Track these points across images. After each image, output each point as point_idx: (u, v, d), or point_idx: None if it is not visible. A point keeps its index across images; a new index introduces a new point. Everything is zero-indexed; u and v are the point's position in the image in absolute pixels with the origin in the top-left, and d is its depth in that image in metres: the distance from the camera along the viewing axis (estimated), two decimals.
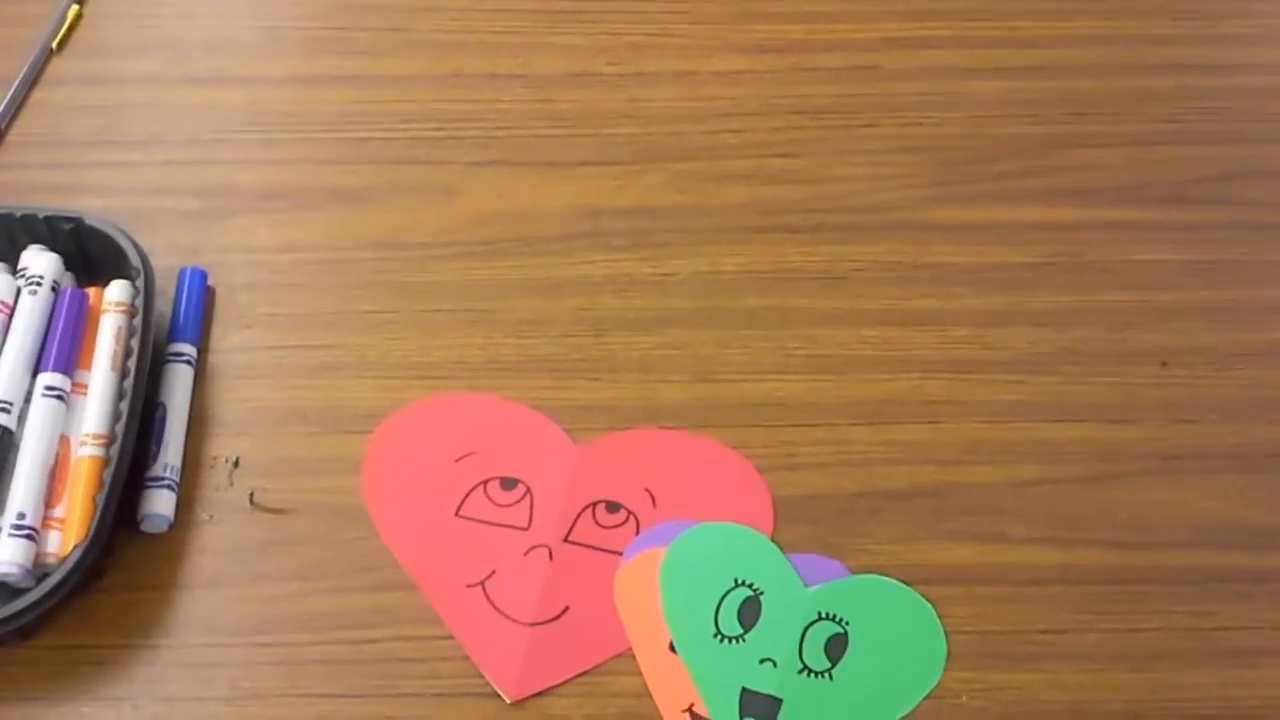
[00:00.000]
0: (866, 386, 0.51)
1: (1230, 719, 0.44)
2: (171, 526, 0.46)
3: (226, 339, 0.51)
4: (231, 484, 0.48)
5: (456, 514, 0.47)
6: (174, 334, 0.50)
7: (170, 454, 0.47)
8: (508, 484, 0.48)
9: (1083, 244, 0.55)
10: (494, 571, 0.46)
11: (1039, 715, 0.44)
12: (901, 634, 0.45)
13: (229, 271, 0.53)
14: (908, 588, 0.46)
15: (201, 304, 0.51)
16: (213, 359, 0.51)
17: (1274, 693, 0.44)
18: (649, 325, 0.52)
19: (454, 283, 0.53)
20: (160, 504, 0.46)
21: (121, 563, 0.46)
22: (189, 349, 0.50)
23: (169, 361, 0.49)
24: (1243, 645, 0.45)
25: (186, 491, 0.47)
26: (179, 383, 0.49)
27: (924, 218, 0.55)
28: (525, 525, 0.47)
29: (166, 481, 0.46)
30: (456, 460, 0.49)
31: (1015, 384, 0.51)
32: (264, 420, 0.49)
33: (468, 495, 0.48)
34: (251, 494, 0.47)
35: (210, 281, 0.52)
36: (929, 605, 0.46)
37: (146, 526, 0.46)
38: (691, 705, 0.43)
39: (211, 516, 0.47)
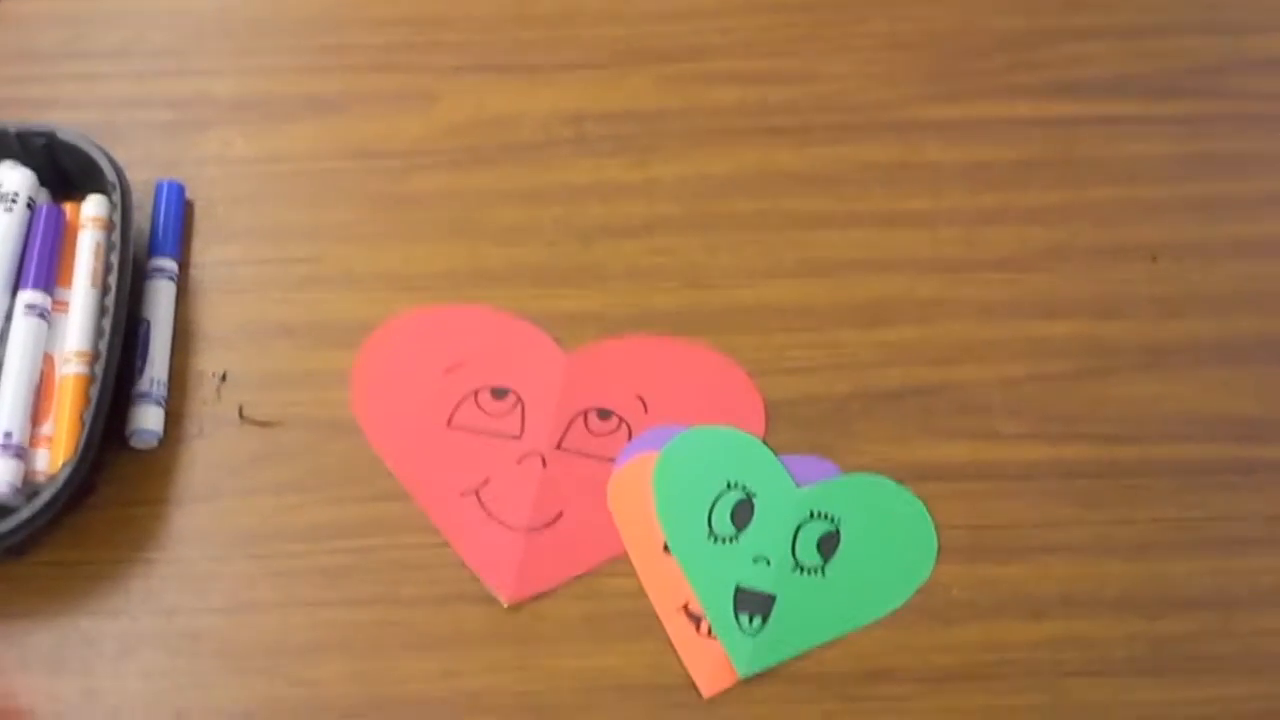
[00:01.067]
0: (857, 288, 0.51)
1: (1218, 606, 0.44)
2: (161, 442, 0.46)
3: (207, 253, 0.50)
4: (219, 398, 0.47)
5: (448, 424, 0.47)
6: (154, 249, 0.49)
7: (156, 369, 0.47)
8: (498, 393, 0.48)
9: (1074, 139, 0.54)
10: (487, 480, 0.46)
11: (1029, 606, 0.44)
12: (892, 530, 0.46)
13: (207, 184, 0.52)
14: (898, 485, 0.46)
15: (181, 217, 0.50)
16: (194, 274, 0.50)
17: (1261, 580, 0.45)
18: (636, 231, 0.52)
19: (437, 192, 0.52)
20: (148, 419, 0.46)
21: (112, 478, 0.45)
22: (170, 264, 0.49)
23: (151, 277, 0.49)
24: (1231, 535, 0.46)
25: (175, 406, 0.47)
26: (162, 298, 0.48)
27: (914, 116, 0.55)
28: (517, 434, 0.47)
29: (153, 397, 0.46)
30: (446, 371, 0.48)
31: (1006, 282, 0.51)
32: (249, 334, 0.49)
33: (459, 406, 0.48)
34: (241, 408, 0.47)
35: (188, 195, 0.52)
36: (919, 501, 0.46)
37: (135, 442, 0.46)
38: (687, 603, 0.44)
39: (201, 431, 0.47)
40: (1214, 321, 0.50)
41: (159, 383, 0.46)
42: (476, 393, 0.48)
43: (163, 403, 0.46)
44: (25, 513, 0.42)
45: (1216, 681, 0.43)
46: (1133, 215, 0.53)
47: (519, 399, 0.48)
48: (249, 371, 0.48)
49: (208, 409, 0.47)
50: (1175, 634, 0.44)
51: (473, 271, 0.51)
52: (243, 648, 0.43)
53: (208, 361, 0.48)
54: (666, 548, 0.45)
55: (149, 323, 0.48)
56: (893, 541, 0.45)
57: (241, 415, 0.47)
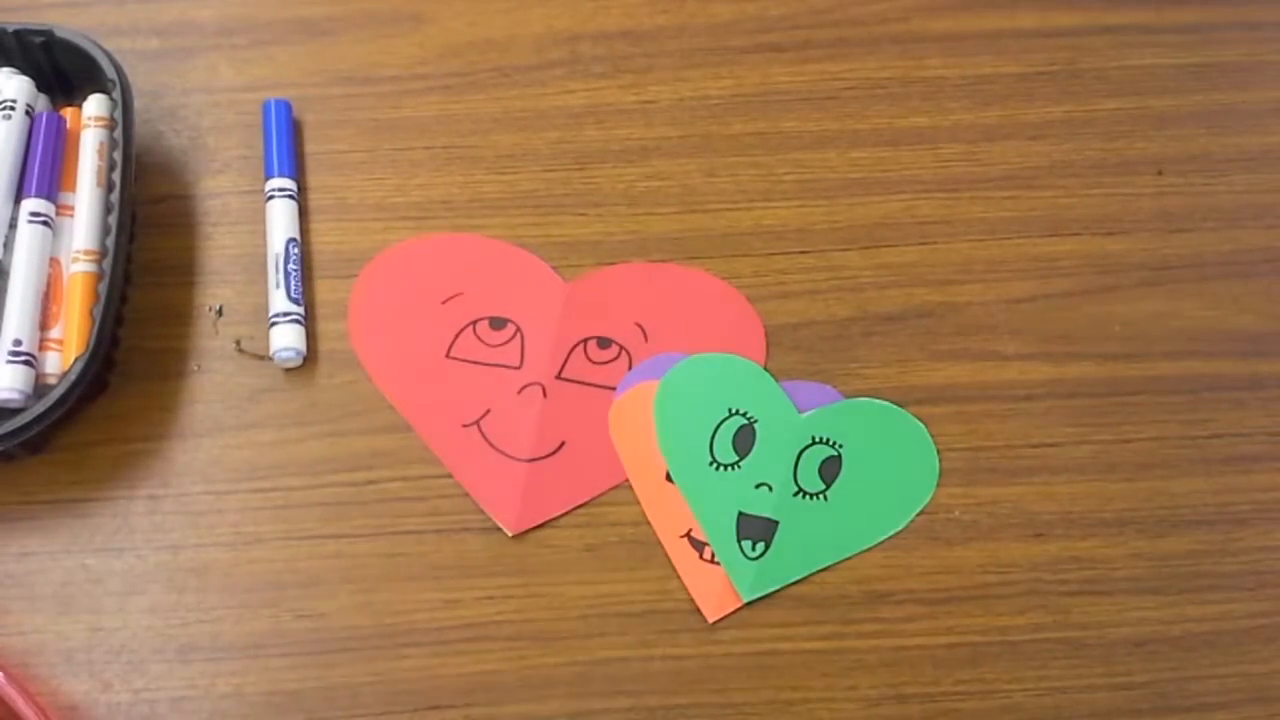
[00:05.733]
0: (858, 210, 0.50)
1: (1222, 524, 0.45)
2: (161, 378, 0.46)
3: (198, 185, 0.50)
4: (217, 333, 0.47)
5: (447, 355, 0.47)
6: (269, 170, 0.49)
7: (292, 289, 0.47)
8: (497, 324, 0.48)
9: (1078, 51, 0.53)
10: (488, 410, 0.46)
11: (1031, 526, 0.44)
12: (894, 453, 0.46)
13: (195, 114, 0.51)
14: (899, 408, 0.46)
15: (291, 135, 0.50)
16: (186, 205, 0.49)
17: (1266, 496, 0.45)
18: (633, 156, 0.51)
19: (429, 118, 0.51)
20: (291, 338, 0.46)
21: (113, 415, 0.45)
22: (289, 184, 0.49)
23: (272, 198, 0.48)
24: (1235, 452, 0.46)
25: (172, 342, 0.47)
26: (287, 219, 0.48)
27: (916, 29, 0.53)
28: (517, 364, 0.47)
29: (294, 316, 0.46)
30: (444, 302, 0.48)
31: (1008, 199, 0.50)
32: (242, 267, 0.48)
33: (457, 336, 0.47)
34: (238, 342, 0.47)
35: (176, 125, 0.51)
36: (920, 424, 0.46)
37: (279, 361, 0.46)
38: (689, 530, 0.44)
39: (199, 366, 0.46)
40: (1220, 235, 0.50)
41: (296, 302, 0.46)
42: (475, 323, 0.48)
43: (302, 321, 0.46)
44: (40, 407, 0.41)
45: (1219, 600, 0.43)
46: (1138, 128, 0.52)
47: (518, 329, 0.47)
48: (244, 305, 0.47)
49: (205, 344, 0.47)
50: (1178, 552, 0.44)
51: (468, 200, 0.50)
52: (247, 582, 0.43)
53: (203, 296, 0.48)
54: (668, 476, 0.45)
55: (285, 243, 0.47)
56: (894, 465, 0.45)
57: (239, 349, 0.47)
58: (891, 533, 0.44)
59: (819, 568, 0.44)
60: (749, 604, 0.43)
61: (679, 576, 0.43)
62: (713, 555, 0.44)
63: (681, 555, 0.44)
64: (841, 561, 0.44)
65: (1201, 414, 0.46)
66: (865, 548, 0.44)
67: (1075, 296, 0.48)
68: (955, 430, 0.46)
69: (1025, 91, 0.52)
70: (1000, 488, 0.45)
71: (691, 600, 0.43)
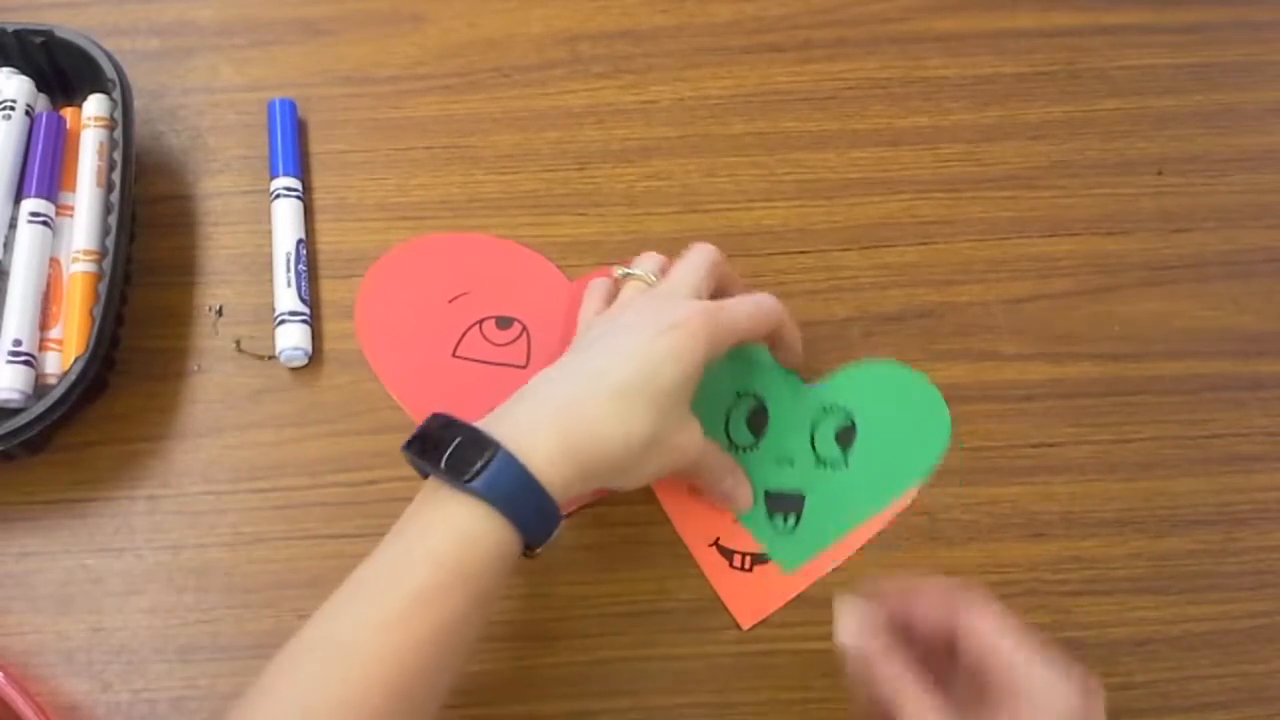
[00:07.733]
0: (857, 210, 0.50)
1: (1222, 523, 0.45)
2: (161, 378, 0.46)
3: (198, 184, 0.50)
4: (216, 333, 0.47)
5: (454, 354, 0.47)
6: (274, 170, 0.49)
7: (300, 289, 0.47)
8: (503, 323, 0.48)
9: (1078, 51, 0.53)
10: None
11: (1031, 526, 0.44)
12: (904, 409, 0.46)
13: (195, 114, 0.51)
14: (902, 366, 0.46)
15: (296, 134, 0.50)
16: (186, 205, 0.49)
17: (1266, 496, 0.45)
18: (633, 156, 0.51)
19: (429, 118, 0.51)
20: (296, 337, 0.46)
21: (113, 415, 0.45)
22: (295, 183, 0.49)
23: (280, 197, 0.48)
24: (1235, 452, 0.46)
25: (172, 342, 0.47)
26: (294, 218, 0.48)
27: (916, 29, 0.53)
28: (523, 363, 0.47)
29: (304, 316, 0.46)
30: (450, 301, 0.48)
31: (1009, 200, 0.50)
32: (244, 267, 0.48)
33: (464, 335, 0.47)
34: (238, 341, 0.47)
35: (176, 125, 0.51)
36: (923, 376, 0.46)
37: (284, 360, 0.46)
38: (718, 539, 0.44)
39: (199, 366, 0.46)
40: (1220, 235, 0.50)
41: (305, 302, 0.47)
42: (481, 322, 0.48)
43: (309, 321, 0.46)
44: (40, 407, 0.41)
45: (1219, 599, 0.43)
46: (1138, 129, 0.52)
47: (524, 328, 0.47)
48: (244, 305, 0.47)
49: (205, 344, 0.47)
50: (1177, 552, 0.44)
51: (468, 200, 0.50)
52: (248, 582, 0.43)
53: (203, 296, 0.48)
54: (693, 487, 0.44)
55: (296, 243, 0.47)
56: (906, 419, 0.46)
57: (239, 349, 0.47)
58: (917, 481, 0.44)
59: (850, 529, 0.44)
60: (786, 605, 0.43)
61: (711, 585, 0.43)
62: (744, 562, 0.44)
63: (712, 563, 0.44)
64: (841, 564, 0.44)
65: (1201, 414, 0.46)
66: (892, 501, 0.44)
67: (1075, 296, 0.48)
68: (955, 430, 0.46)
69: (1025, 91, 0.52)
70: (1000, 488, 0.45)
71: (691, 601, 0.43)
